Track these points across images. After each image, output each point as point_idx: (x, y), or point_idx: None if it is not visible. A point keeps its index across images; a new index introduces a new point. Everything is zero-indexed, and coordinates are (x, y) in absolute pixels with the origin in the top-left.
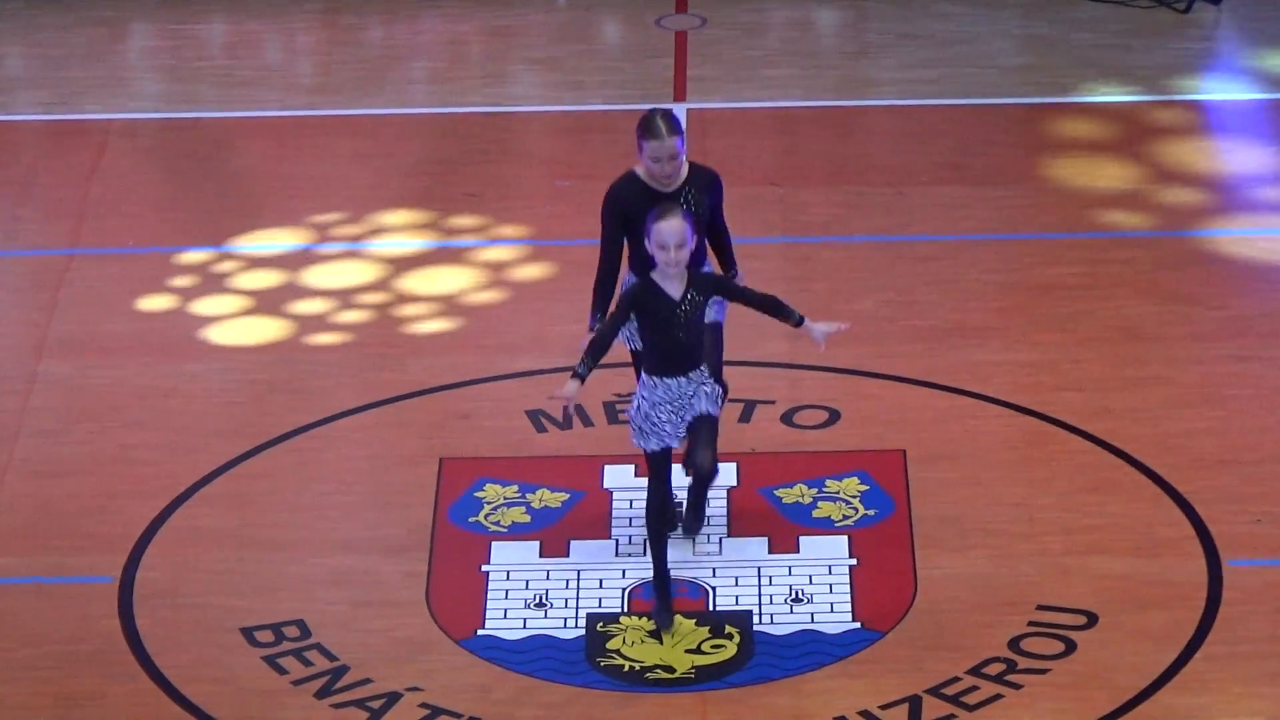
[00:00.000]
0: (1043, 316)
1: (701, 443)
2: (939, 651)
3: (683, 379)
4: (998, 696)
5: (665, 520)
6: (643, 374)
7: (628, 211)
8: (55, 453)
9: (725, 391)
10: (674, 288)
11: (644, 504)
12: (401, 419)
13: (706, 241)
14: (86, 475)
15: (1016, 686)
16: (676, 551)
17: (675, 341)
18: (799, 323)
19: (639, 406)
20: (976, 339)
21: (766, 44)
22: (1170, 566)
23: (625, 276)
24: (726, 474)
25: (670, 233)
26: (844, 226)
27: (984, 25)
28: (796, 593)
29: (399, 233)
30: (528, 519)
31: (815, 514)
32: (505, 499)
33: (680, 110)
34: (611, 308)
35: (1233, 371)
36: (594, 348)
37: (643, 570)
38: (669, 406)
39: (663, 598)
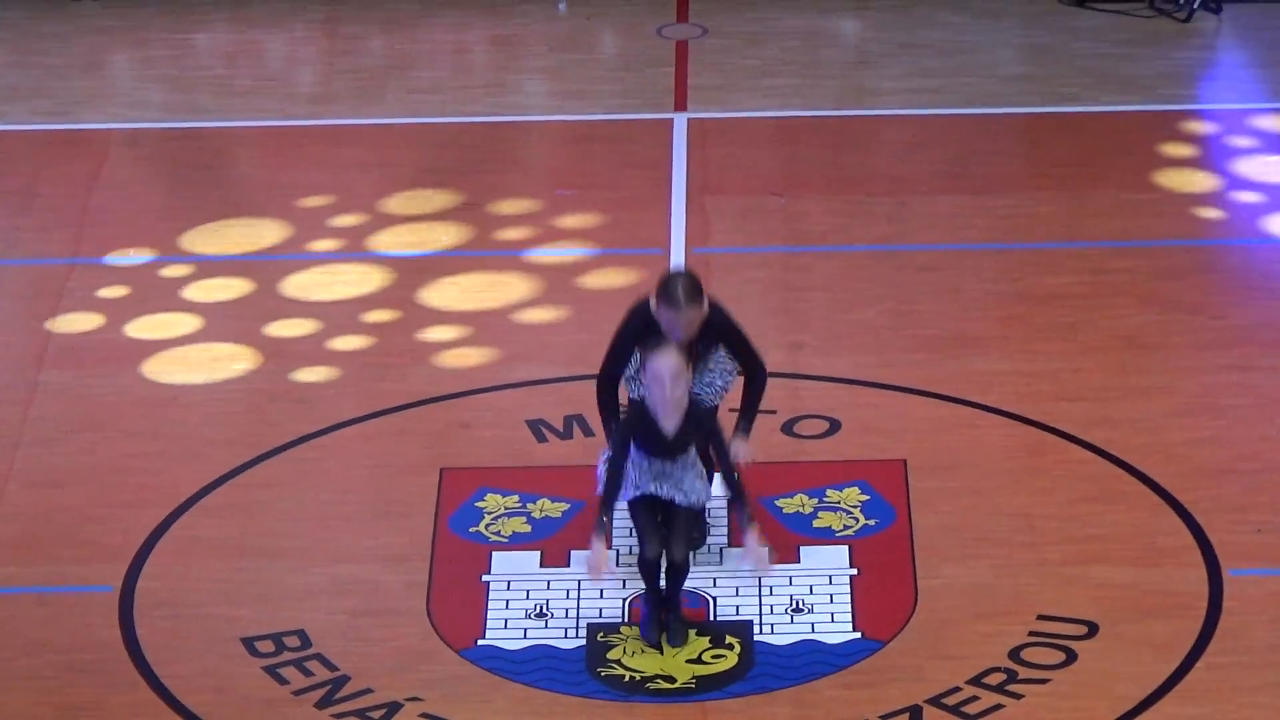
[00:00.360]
0: (1043, 326)
1: (676, 536)
2: (940, 661)
3: (669, 463)
4: (998, 706)
5: (658, 571)
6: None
7: (635, 343)
8: (56, 462)
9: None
10: (669, 422)
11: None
12: (402, 429)
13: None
14: (87, 485)
15: (1017, 696)
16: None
17: (663, 453)
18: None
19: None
20: (977, 348)
21: (767, 53)
22: (1171, 576)
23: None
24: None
25: (665, 367)
26: (845, 236)
27: (984, 35)
28: (797, 603)
29: (399, 243)
30: (528, 529)
31: (816, 524)
32: (506, 509)
33: (681, 119)
34: (615, 439)
35: (1233, 381)
36: (608, 493)
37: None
38: (649, 474)
39: (655, 616)
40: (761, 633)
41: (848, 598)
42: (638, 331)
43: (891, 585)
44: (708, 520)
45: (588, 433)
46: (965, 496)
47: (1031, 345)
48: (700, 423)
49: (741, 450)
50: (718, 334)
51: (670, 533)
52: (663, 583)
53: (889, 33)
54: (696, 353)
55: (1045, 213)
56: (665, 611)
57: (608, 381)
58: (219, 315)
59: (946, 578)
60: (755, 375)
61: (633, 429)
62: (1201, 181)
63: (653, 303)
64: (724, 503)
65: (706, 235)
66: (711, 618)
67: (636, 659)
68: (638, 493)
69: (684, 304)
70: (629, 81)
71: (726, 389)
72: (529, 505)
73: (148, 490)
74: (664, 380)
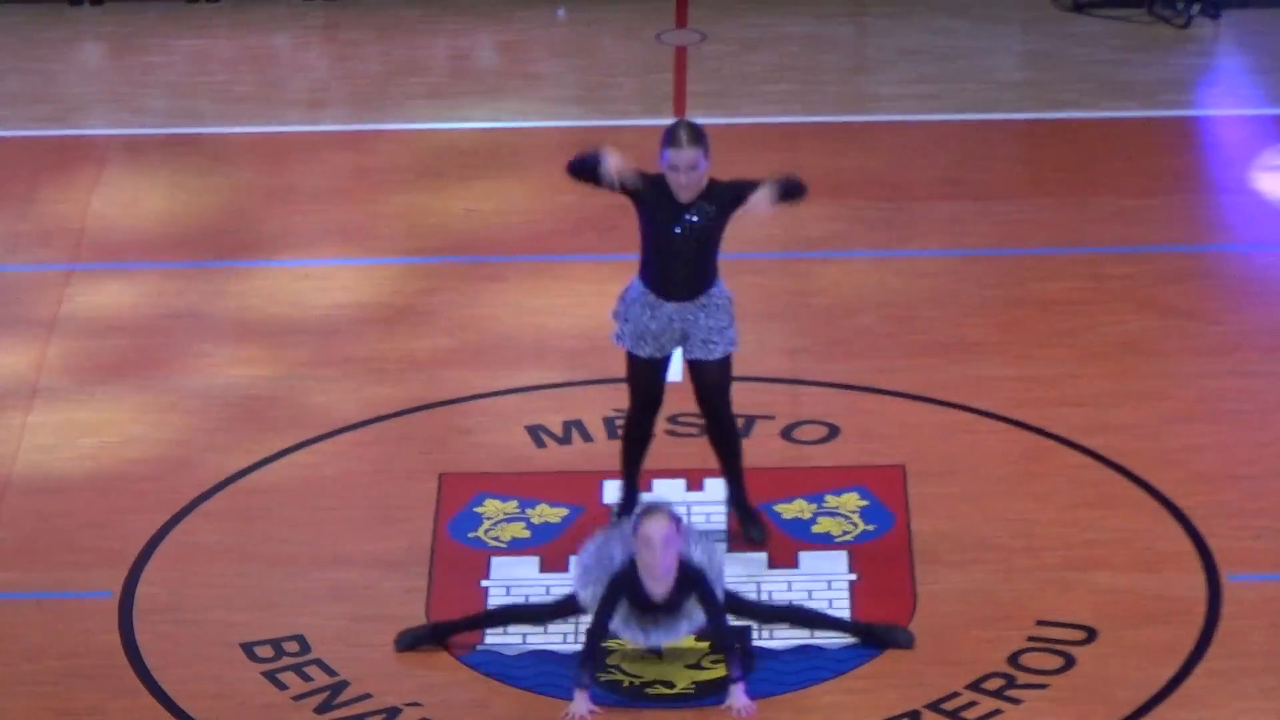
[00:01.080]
0: (1042, 331)
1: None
2: (938, 667)
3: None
4: (997, 712)
5: (646, 439)
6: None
7: (646, 196)
8: (55, 468)
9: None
10: (659, 587)
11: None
12: (401, 434)
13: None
14: (86, 490)
15: (1016, 701)
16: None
17: (656, 611)
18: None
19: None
20: (976, 354)
21: (766, 59)
22: (1170, 581)
23: (633, 281)
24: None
25: (654, 531)
26: (844, 241)
27: (984, 40)
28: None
29: (399, 248)
30: (527, 534)
31: (815, 529)
32: (505, 514)
33: None
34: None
35: (1232, 386)
36: (589, 654)
37: None
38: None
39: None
40: (760, 638)
41: (847, 603)
42: (644, 177)
43: (890, 590)
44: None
45: (587, 438)
46: (964, 502)
47: (1031, 351)
48: (695, 584)
49: (738, 702)
50: (719, 196)
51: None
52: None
53: (888, 38)
54: (674, 603)
55: (1044, 218)
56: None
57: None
58: (218, 320)
59: (945, 583)
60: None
61: (619, 593)
62: (1200, 187)
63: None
64: (723, 504)
65: None
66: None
67: (636, 664)
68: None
69: (685, 142)
70: (628, 87)
71: (734, 344)
72: (528, 510)
73: (147, 496)
74: (655, 545)
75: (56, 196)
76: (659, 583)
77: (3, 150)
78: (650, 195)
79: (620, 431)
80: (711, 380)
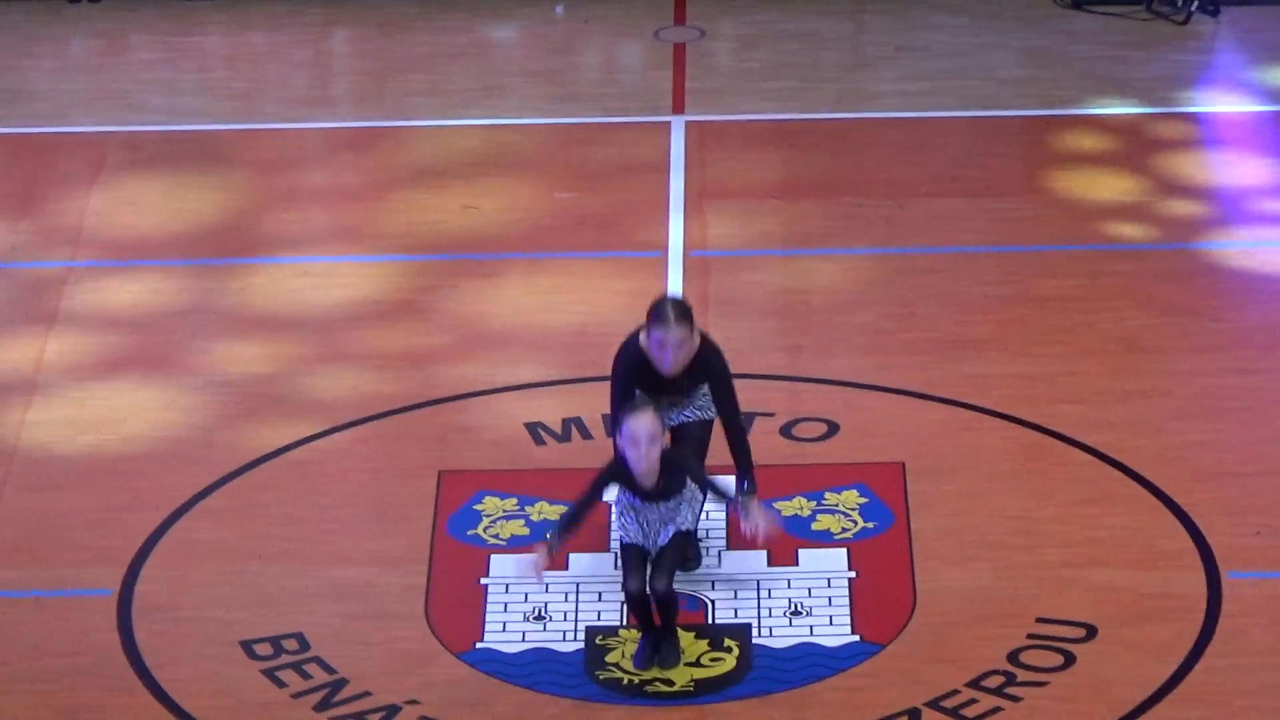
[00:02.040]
0: (1042, 329)
1: (659, 568)
2: (938, 664)
3: (661, 504)
4: (997, 709)
5: (647, 602)
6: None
7: (630, 381)
8: (54, 466)
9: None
10: (647, 480)
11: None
12: (400, 432)
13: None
14: (85, 488)
15: (1016, 699)
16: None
17: (653, 500)
18: (738, 499)
19: (618, 507)
20: (975, 351)
21: (765, 56)
22: (1169, 579)
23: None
24: (726, 487)
25: (642, 430)
26: (843, 239)
27: (982, 37)
28: (796, 606)
29: (397, 245)
30: (527, 532)
31: (814, 526)
32: (504, 512)
33: (679, 122)
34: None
35: (1232, 384)
36: (565, 525)
37: None
38: (645, 517)
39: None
40: (760, 636)
41: (846, 601)
42: (630, 364)
43: (890, 588)
44: (699, 540)
45: (586, 435)
46: (964, 499)
47: (1030, 348)
48: (684, 471)
49: (756, 515)
50: (707, 371)
51: (654, 564)
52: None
53: (887, 35)
54: (684, 388)
55: (1043, 215)
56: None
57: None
58: (217, 318)
59: (945, 580)
60: (733, 424)
61: (612, 480)
62: (1199, 184)
63: (642, 336)
64: (722, 505)
65: (705, 238)
66: (710, 621)
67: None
68: (627, 540)
69: (673, 321)
70: (627, 84)
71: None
72: (527, 508)
73: (146, 494)
74: (640, 441)
75: (55, 194)
76: (647, 475)
77: (2, 147)
78: None
79: None
80: (693, 434)
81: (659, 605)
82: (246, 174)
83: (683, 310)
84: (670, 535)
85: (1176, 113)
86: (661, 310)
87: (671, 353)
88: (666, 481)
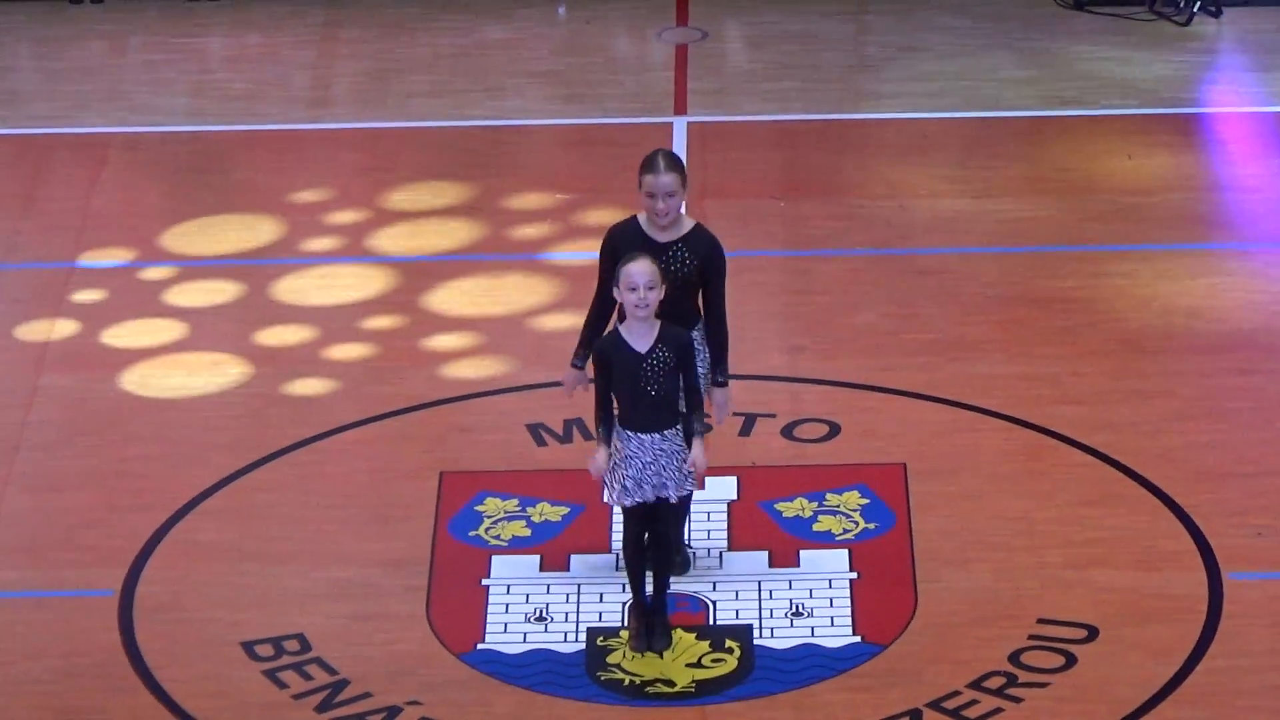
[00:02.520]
0: (1043, 329)
1: (666, 519)
2: (939, 665)
3: (656, 435)
4: (998, 710)
5: (643, 556)
6: (616, 425)
7: (620, 253)
8: (56, 466)
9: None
10: (641, 341)
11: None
12: (402, 433)
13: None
14: (87, 489)
15: (1017, 700)
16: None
17: (642, 395)
18: (692, 430)
19: (610, 457)
20: (977, 352)
21: (767, 57)
22: (1171, 580)
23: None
24: (727, 488)
25: (639, 273)
26: (844, 239)
27: (985, 38)
28: (797, 606)
29: (399, 246)
30: (528, 533)
31: (816, 528)
32: (505, 513)
33: (681, 123)
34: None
35: (1233, 384)
36: (602, 413)
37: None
38: (637, 461)
39: (641, 621)
40: (761, 636)
41: (847, 601)
42: (621, 233)
43: (891, 589)
44: (690, 548)
45: (587, 436)
46: (965, 500)
47: (1032, 349)
48: (675, 341)
49: (721, 402)
50: (701, 246)
51: (660, 517)
52: (649, 589)
53: (889, 36)
54: (679, 263)
55: (1045, 216)
56: (651, 615)
57: (598, 296)
58: (218, 319)
59: (946, 581)
60: (716, 310)
61: (603, 354)
62: (1201, 185)
63: (638, 183)
64: (724, 505)
65: None
66: (711, 622)
67: (636, 663)
68: (629, 502)
69: (662, 167)
70: (629, 85)
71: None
72: (529, 509)
73: (147, 494)
74: (638, 284)
75: (57, 194)
76: (643, 332)
77: (3, 148)
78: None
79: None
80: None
81: (661, 559)
82: (247, 175)
83: (673, 159)
84: (670, 492)
85: (1178, 113)
86: (651, 158)
87: (661, 201)
88: (661, 349)
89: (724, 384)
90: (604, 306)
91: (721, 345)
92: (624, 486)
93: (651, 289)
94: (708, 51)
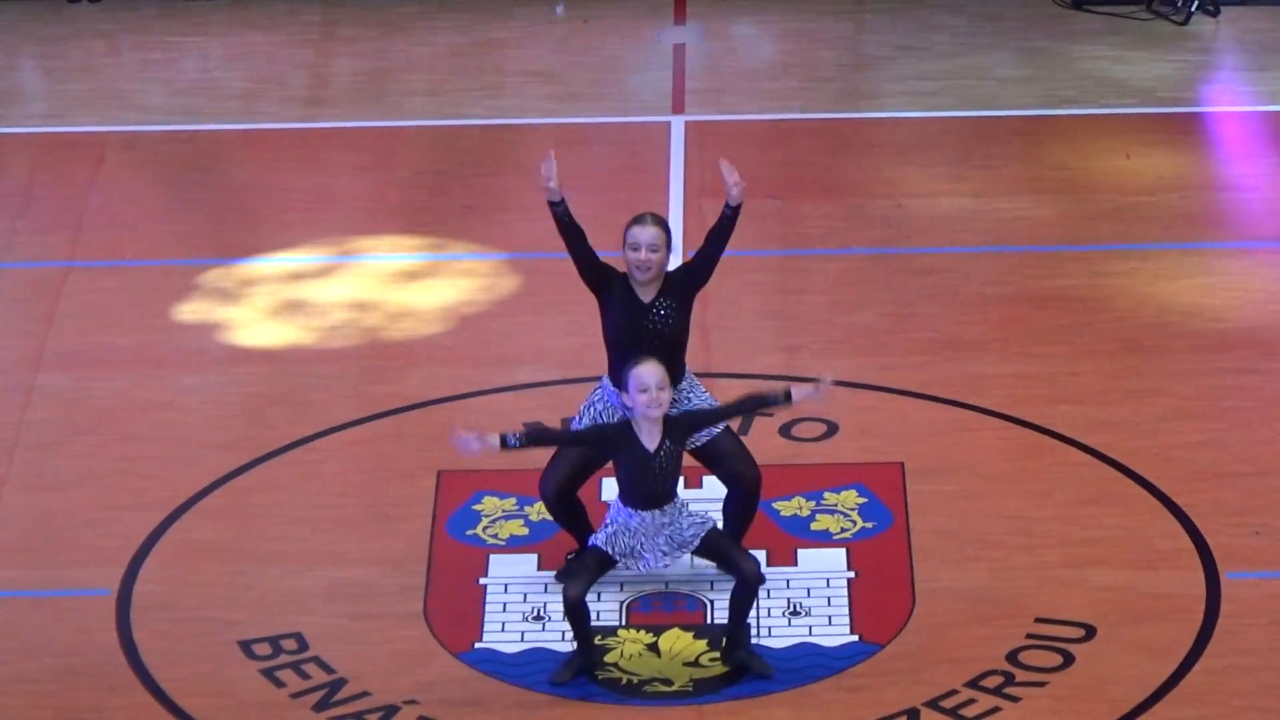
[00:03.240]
0: (1041, 329)
1: (735, 556)
2: (937, 664)
3: (657, 512)
4: (996, 709)
5: (588, 615)
6: (617, 499)
7: (608, 298)
8: (53, 465)
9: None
10: (650, 439)
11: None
12: (399, 432)
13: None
14: (84, 488)
15: (1015, 699)
16: (676, 565)
17: (650, 488)
18: (787, 396)
19: (610, 523)
20: (975, 351)
21: (765, 56)
22: (1168, 579)
23: (601, 385)
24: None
25: (650, 375)
26: (842, 239)
27: (983, 37)
28: (795, 605)
29: (396, 245)
30: (526, 532)
31: (813, 526)
32: (503, 512)
33: (679, 122)
34: (581, 422)
35: (1231, 384)
36: (536, 436)
37: (640, 583)
38: (641, 535)
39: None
40: (759, 636)
41: (845, 601)
42: (607, 275)
43: (889, 588)
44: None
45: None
46: (963, 499)
47: (1029, 348)
48: (678, 432)
49: (803, 390)
50: (679, 284)
51: (730, 561)
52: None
53: (887, 35)
54: (665, 316)
55: (1043, 215)
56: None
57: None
58: (215, 318)
59: (944, 580)
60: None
61: (608, 440)
62: (1199, 184)
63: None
64: (720, 501)
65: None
66: (709, 621)
67: (634, 662)
68: (610, 552)
69: (649, 221)
70: (627, 84)
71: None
72: (526, 508)
73: (145, 493)
74: (649, 385)
75: (54, 193)
76: (651, 434)
77: (1, 147)
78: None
79: None
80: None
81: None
82: (245, 174)
83: (659, 218)
84: (664, 557)
85: (1176, 113)
86: (639, 216)
87: (645, 253)
88: (669, 450)
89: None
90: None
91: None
92: (622, 552)
93: (662, 389)
94: (706, 50)
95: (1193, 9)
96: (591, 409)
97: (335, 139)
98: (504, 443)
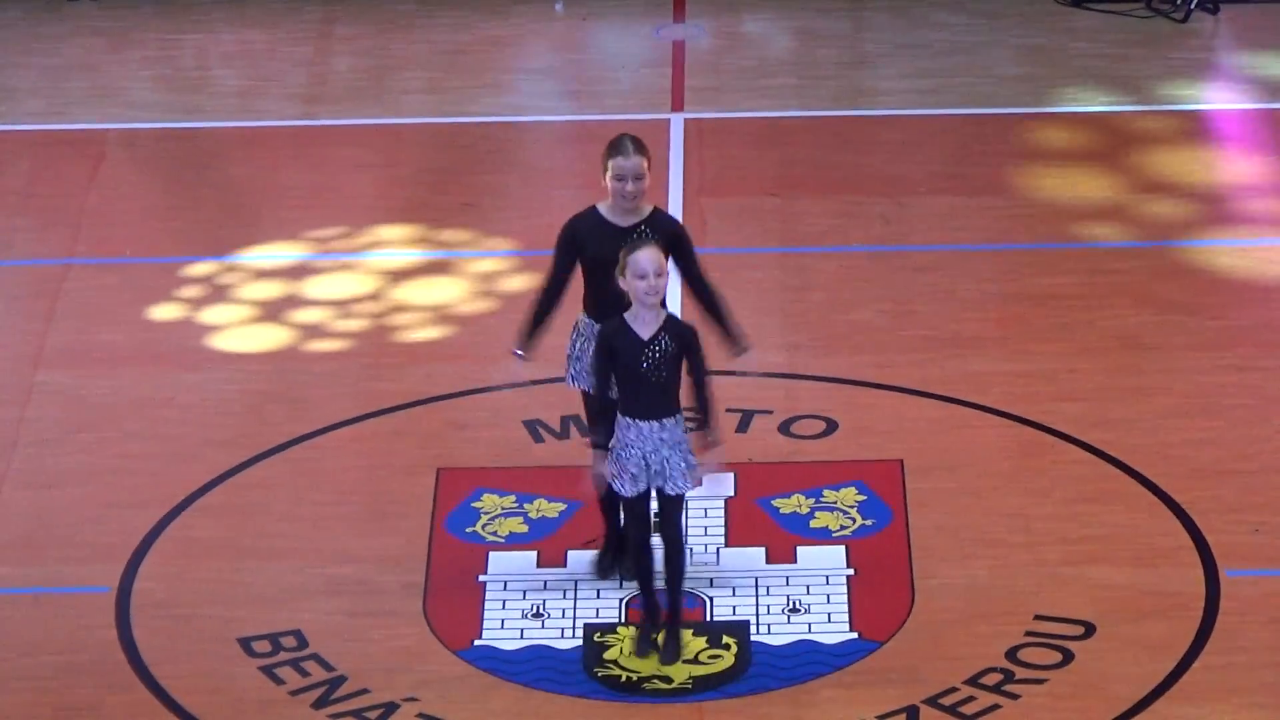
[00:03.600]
0: (1040, 326)
1: (668, 518)
2: (937, 662)
3: (655, 424)
4: (995, 707)
5: (652, 557)
6: (618, 414)
7: (583, 244)
8: (52, 463)
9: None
10: (645, 328)
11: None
12: (398, 429)
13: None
14: (84, 485)
15: (1014, 697)
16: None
17: (644, 381)
18: (702, 426)
19: (612, 447)
20: (974, 349)
21: (764, 54)
22: (1168, 576)
23: (579, 319)
24: (724, 484)
25: (647, 260)
26: (841, 236)
27: (982, 35)
28: (794, 603)
29: (396, 243)
30: (525, 529)
31: (813, 524)
32: (502, 509)
33: (678, 120)
34: (570, 366)
35: (1230, 381)
36: (595, 414)
37: None
38: (638, 450)
39: (648, 624)
40: (758, 633)
41: (844, 598)
42: (581, 223)
43: (888, 585)
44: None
45: (585, 433)
46: (962, 497)
47: (1028, 346)
48: (678, 331)
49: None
50: (665, 225)
51: (661, 515)
52: (660, 584)
53: (886, 33)
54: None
55: (1042, 213)
56: (662, 618)
57: (549, 287)
58: (215, 316)
59: (943, 578)
60: (700, 282)
61: (608, 339)
62: (1199, 182)
63: (603, 168)
64: (722, 502)
65: (703, 236)
66: (708, 618)
67: (633, 659)
68: (634, 491)
69: (631, 150)
70: (625, 82)
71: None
72: (526, 505)
73: (144, 491)
74: (647, 271)
75: (54, 190)
76: (648, 318)
77: (0, 144)
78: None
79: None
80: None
81: (672, 560)
82: (245, 171)
83: (640, 143)
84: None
85: (1176, 110)
86: (618, 141)
87: (630, 183)
88: (664, 338)
89: (746, 349)
90: (552, 297)
91: (724, 308)
92: (632, 475)
93: (660, 275)
94: (705, 48)
95: (1192, 6)
96: (574, 348)
97: (334, 136)
98: (601, 448)
